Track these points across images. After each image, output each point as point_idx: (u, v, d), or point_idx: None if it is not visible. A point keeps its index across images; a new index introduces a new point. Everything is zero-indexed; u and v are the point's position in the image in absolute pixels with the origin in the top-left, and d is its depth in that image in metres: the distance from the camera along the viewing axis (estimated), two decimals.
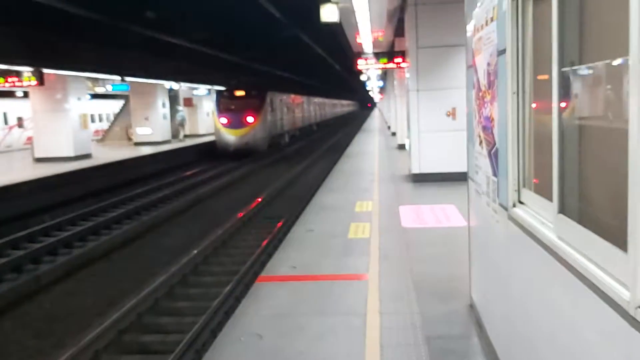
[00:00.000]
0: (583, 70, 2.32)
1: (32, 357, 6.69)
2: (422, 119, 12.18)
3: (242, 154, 25.98)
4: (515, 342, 3.27)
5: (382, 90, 47.18)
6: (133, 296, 7.97)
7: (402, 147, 18.43)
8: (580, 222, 2.23)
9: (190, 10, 18.03)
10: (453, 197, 9.69)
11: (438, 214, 9.02)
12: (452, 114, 11.71)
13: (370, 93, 67.10)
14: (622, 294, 1.73)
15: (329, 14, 9.94)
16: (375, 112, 77.03)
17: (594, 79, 2.30)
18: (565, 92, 2.41)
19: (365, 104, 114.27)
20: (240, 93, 27.82)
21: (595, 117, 2.32)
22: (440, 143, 11.78)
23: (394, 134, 25.48)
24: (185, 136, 31.48)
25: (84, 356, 6.20)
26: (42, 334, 7.42)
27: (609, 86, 2.15)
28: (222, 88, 30.46)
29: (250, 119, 26.95)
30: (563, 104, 2.41)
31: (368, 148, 23.01)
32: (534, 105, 3.05)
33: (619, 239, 1.83)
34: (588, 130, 2.37)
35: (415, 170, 12.42)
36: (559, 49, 2.33)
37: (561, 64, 2.32)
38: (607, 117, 2.18)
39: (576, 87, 2.42)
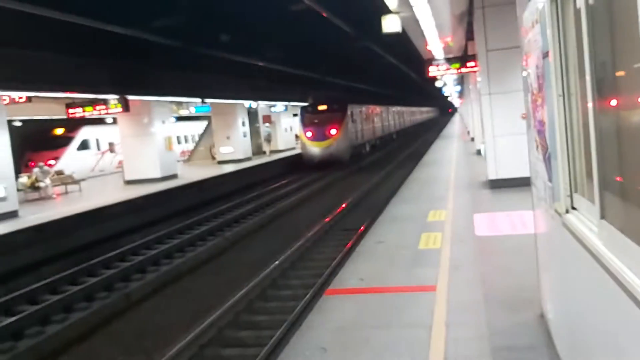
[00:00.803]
0: (620, 71, 2.24)
1: None
2: (496, 123, 11.88)
3: (326, 164, 27.42)
4: (577, 353, 3.15)
5: (460, 94, 46.33)
6: (215, 311, 8.23)
7: (479, 152, 18.00)
8: (623, 228, 2.14)
9: (264, 31, 18.55)
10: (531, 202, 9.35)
11: (514, 221, 8.74)
12: (526, 116, 11.31)
13: (449, 98, 65.94)
14: None
15: (390, 24, 9.94)
16: (456, 118, 75.52)
17: (633, 79, 2.21)
18: (603, 93, 2.33)
19: (446, 109, 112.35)
20: (323, 108, 29.60)
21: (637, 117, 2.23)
22: (517, 147, 11.30)
23: (473, 139, 24.92)
24: (265, 152, 32.69)
25: None
26: (131, 350, 7.82)
27: None
28: (300, 104, 31.82)
29: (333, 132, 28.60)
30: (602, 105, 2.32)
31: (446, 155, 22.63)
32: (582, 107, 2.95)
33: None
34: (630, 131, 2.27)
35: (492, 176, 12.09)
36: (591, 51, 2.26)
37: (593, 66, 2.25)
38: None
39: (615, 87, 2.33)
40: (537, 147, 3.87)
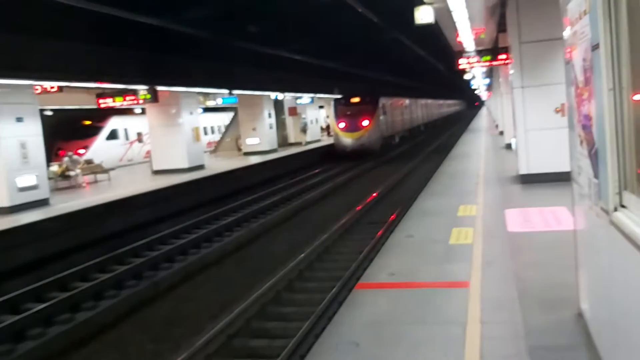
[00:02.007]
0: None
1: None
2: (528, 117, 11.66)
3: (358, 154, 28.46)
4: (622, 355, 3.05)
5: (488, 87, 45.77)
6: (242, 301, 8.24)
7: (509, 146, 17.73)
8: None
9: (292, 22, 18.47)
10: (564, 198, 9.13)
11: (547, 217, 8.58)
12: (561, 110, 11.10)
13: (476, 91, 65.22)
14: None
15: (423, 15, 9.80)
16: (483, 111, 74.67)
17: None
18: None
19: (472, 102, 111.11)
20: (355, 100, 30.81)
21: None
22: (550, 141, 11.16)
23: (501, 133, 24.60)
24: (291, 144, 32.95)
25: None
26: (159, 338, 7.89)
27: None
28: (327, 96, 32.24)
29: (365, 123, 29.80)
30: None
31: (474, 148, 22.36)
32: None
33: None
34: None
35: (523, 171, 11.90)
36: None
37: None
38: None
39: None
40: (582, 142, 3.75)
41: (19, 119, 13.97)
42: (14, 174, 13.64)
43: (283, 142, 32.29)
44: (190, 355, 6.53)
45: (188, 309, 8.98)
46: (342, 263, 10.08)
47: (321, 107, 41.34)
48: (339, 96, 32.64)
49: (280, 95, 29.91)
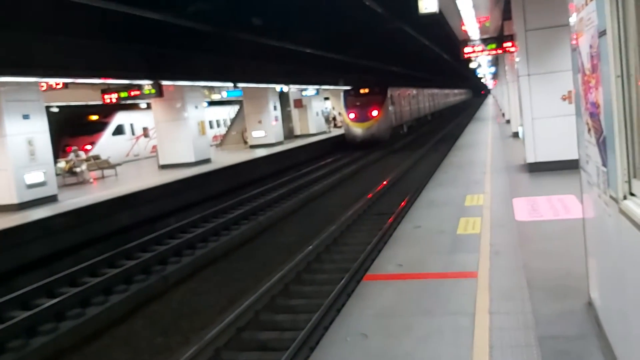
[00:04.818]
0: None
1: (160, 354, 7.16)
2: (535, 105, 11.58)
3: (368, 144, 29.10)
4: (633, 344, 3.04)
5: (494, 76, 45.57)
6: (251, 294, 8.26)
7: (516, 135, 17.64)
8: None
9: (295, 14, 18.38)
10: (573, 186, 9.06)
11: (556, 205, 8.54)
12: (568, 97, 11.02)
13: (482, 80, 64.92)
14: None
15: (427, 4, 9.74)
16: (489, 99, 74.33)
17: None
18: None
19: (478, 91, 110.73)
20: (365, 91, 31.43)
21: None
22: (557, 129, 11.11)
23: (508, 121, 24.49)
24: (297, 136, 33.02)
25: (205, 353, 6.57)
26: (169, 332, 7.94)
27: None
28: (332, 87, 32.28)
29: (374, 113, 30.35)
30: None
31: (480, 137, 22.26)
32: None
33: None
34: None
35: (531, 160, 11.84)
36: None
37: None
38: None
39: None
40: (590, 130, 3.72)
41: (26, 116, 14.01)
42: (22, 171, 13.71)
43: (289, 134, 32.28)
44: (200, 349, 6.55)
45: (197, 303, 9.02)
46: (350, 254, 10.09)
47: (326, 98, 41.26)
48: (346, 87, 32.83)
49: (285, 88, 29.85)
